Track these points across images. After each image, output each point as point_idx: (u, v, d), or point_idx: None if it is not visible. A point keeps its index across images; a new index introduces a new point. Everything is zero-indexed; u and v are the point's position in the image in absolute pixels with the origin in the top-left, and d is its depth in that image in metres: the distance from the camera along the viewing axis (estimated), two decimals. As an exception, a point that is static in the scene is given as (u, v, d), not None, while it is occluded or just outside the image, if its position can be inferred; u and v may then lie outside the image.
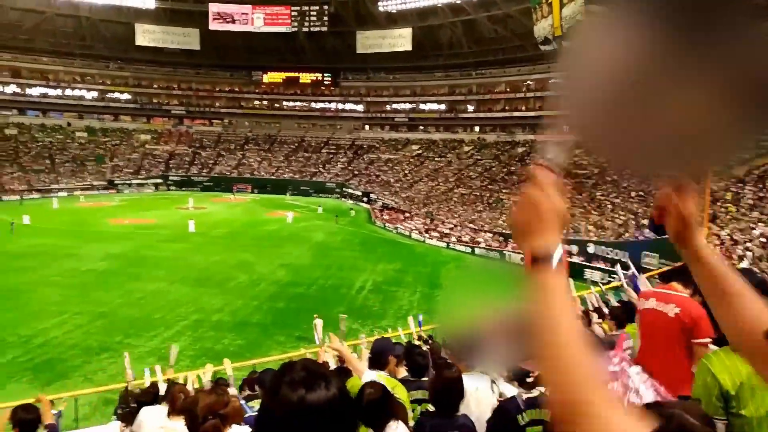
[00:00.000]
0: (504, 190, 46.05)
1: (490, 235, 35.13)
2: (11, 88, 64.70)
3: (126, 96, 71.41)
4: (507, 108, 60.56)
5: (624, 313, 5.75)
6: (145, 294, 21.89)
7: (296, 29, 69.35)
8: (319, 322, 16.67)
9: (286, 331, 18.02)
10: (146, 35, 69.18)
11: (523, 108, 59.08)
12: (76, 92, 68.56)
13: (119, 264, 26.62)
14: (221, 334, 17.86)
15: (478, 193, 47.23)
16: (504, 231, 35.32)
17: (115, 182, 60.79)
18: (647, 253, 23.56)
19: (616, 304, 7.32)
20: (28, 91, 65.68)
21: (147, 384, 6.96)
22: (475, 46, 62.11)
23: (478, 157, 57.45)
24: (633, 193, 34.07)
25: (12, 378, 13.83)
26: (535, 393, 3.05)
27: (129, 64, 70.88)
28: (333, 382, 1.05)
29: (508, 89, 61.40)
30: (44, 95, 66.49)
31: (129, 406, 5.86)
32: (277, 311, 20.41)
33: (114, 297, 21.22)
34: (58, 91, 67.31)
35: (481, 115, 62.98)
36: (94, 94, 69.69)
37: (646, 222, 29.35)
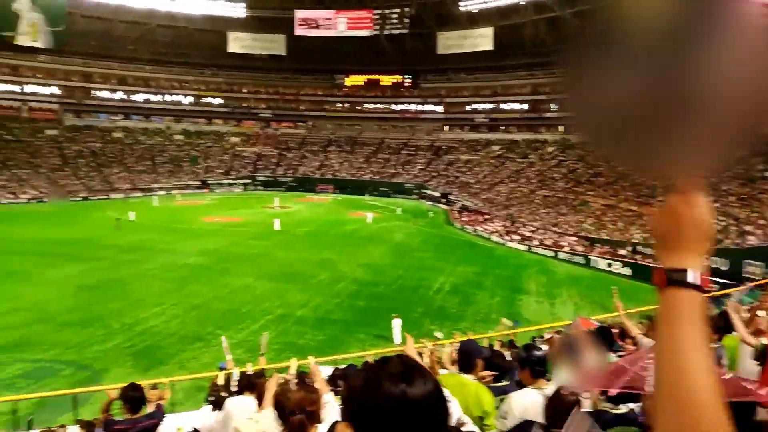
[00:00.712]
0: (590, 193, 44.22)
1: (575, 239, 33.84)
2: (119, 95, 70.50)
3: (218, 100, 75.67)
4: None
5: (723, 324, 5.39)
6: (234, 288, 23.07)
7: (378, 32, 70.39)
8: (397, 322, 16.85)
9: (365, 329, 18.34)
10: (237, 42, 72.91)
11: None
12: (175, 98, 73.57)
13: (211, 259, 28.24)
14: (304, 329, 18.45)
15: (562, 195, 45.67)
16: (589, 235, 33.93)
17: (208, 182, 64.47)
18: (750, 261, 21.76)
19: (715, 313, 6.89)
20: (133, 97, 71.30)
21: (236, 374, 7.27)
22: (560, 44, 59.91)
23: (563, 158, 55.52)
24: (733, 198, 31.65)
25: (116, 363, 15.03)
26: (622, 409, 2.89)
27: (221, 70, 74.99)
28: (429, 377, 1.06)
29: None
30: (147, 101, 71.96)
31: (225, 393, 6.17)
32: (357, 309, 20.81)
33: (207, 290, 22.54)
34: (159, 97, 72.58)
35: (566, 114, 60.64)
36: (190, 99, 74.48)
37: (749, 228, 27.13)
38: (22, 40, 61.62)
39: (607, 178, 46.77)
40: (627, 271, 26.50)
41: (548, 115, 62.82)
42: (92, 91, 69.26)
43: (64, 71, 66.95)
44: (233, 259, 28.46)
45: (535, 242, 34.76)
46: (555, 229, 37.06)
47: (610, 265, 27.61)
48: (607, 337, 5.36)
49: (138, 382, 5.15)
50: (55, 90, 66.36)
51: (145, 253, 29.11)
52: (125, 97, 70.98)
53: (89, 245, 30.68)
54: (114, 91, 70.48)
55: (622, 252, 29.07)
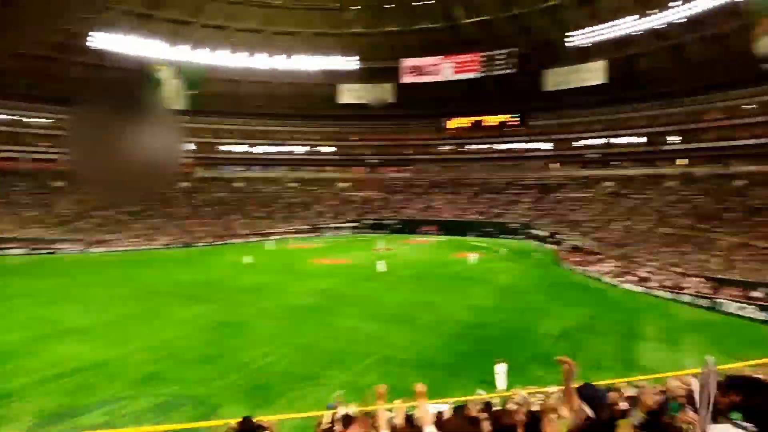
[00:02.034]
0: (717, 229, 40.49)
1: (700, 280, 30.93)
2: (243, 148, 77.16)
3: (330, 149, 79.96)
4: (720, 137, 53.65)
5: None
6: (341, 329, 23.76)
7: (484, 74, 71.12)
8: (500, 368, 16.42)
9: (469, 373, 18.01)
10: (348, 93, 77.09)
11: (742, 136, 51.78)
12: (291, 148, 78.94)
13: (320, 300, 29.41)
14: (407, 371, 18.43)
15: (684, 233, 42.21)
16: (717, 276, 30.93)
17: (319, 226, 67.61)
18: None
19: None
20: (254, 149, 77.65)
21: (339, 415, 7.42)
22: (681, 72, 56.35)
23: (685, 193, 51.53)
24: None
25: (231, 399, 15.98)
26: None
27: (333, 120, 79.35)
28: None
29: (721, 116, 54.46)
30: (266, 153, 77.93)
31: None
32: (461, 353, 20.49)
33: (315, 330, 23.43)
34: (277, 148, 78.29)
35: (689, 146, 56.71)
36: (305, 149, 79.46)
37: None
38: (165, 104, 70.00)
39: (738, 213, 42.72)
40: (763, 315, 23.69)
41: (668, 147, 59.04)
42: (220, 146, 76.51)
43: (198, 129, 74.77)
44: (341, 300, 29.42)
45: (653, 284, 32.21)
46: (676, 269, 34.16)
47: (742, 308, 24.83)
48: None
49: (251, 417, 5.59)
50: (189, 146, 74.14)
51: (261, 293, 31.03)
52: (248, 149, 77.49)
53: (212, 287, 33.35)
54: (239, 144, 77.31)
55: (757, 294, 26.09)
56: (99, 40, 62.14)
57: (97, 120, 68.24)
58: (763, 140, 49.06)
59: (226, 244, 58.57)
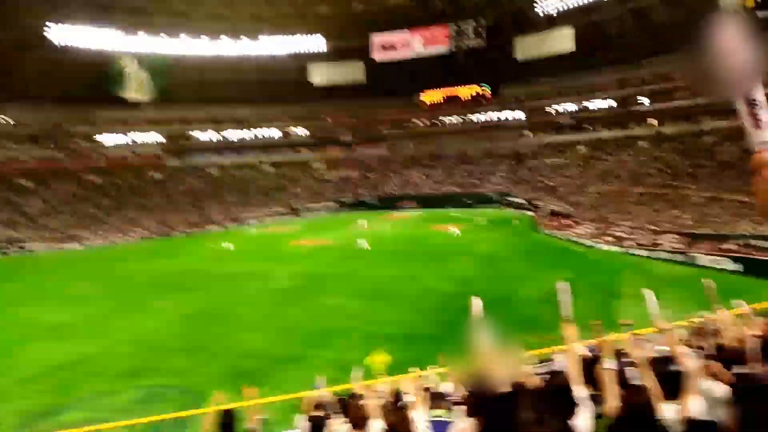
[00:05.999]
0: (691, 186, 41.19)
1: (674, 236, 31.53)
2: (214, 135, 75.75)
3: (303, 131, 78.98)
4: (689, 95, 54.24)
5: None
6: (324, 308, 23.72)
7: (455, 48, 70.57)
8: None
9: (453, 341, 18.10)
10: (318, 74, 75.94)
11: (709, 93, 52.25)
12: (263, 132, 77.75)
13: (303, 281, 29.26)
14: (394, 345, 18.50)
15: (658, 192, 42.88)
16: (691, 231, 31.58)
17: (297, 208, 67.10)
18: None
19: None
20: (226, 135, 76.27)
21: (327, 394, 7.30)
22: (647, 35, 56.67)
23: (657, 152, 52.25)
24: None
25: (217, 386, 15.81)
26: None
27: (304, 102, 78.22)
28: None
29: (688, 75, 54.92)
30: (239, 138, 76.68)
31: (321, 413, 6.24)
32: (445, 324, 20.59)
33: (300, 311, 23.36)
34: (249, 133, 77.05)
35: (658, 106, 57.25)
36: (278, 132, 78.31)
37: None
38: (130, 97, 68.27)
39: (709, 168, 43.49)
40: (737, 266, 24.26)
41: (638, 108, 59.58)
42: (190, 134, 74.99)
43: (166, 119, 73.10)
44: (323, 281, 29.32)
45: (630, 243, 32.76)
46: (652, 227, 34.75)
47: (715, 261, 25.39)
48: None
49: (235, 405, 5.47)
50: (158, 137, 72.53)
51: (242, 279, 30.74)
52: (219, 136, 76.14)
53: (192, 275, 32.93)
54: (209, 132, 75.88)
55: (731, 246, 26.70)
56: (57, 34, 59.81)
57: (61, 116, 66.42)
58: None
59: (204, 232, 57.80)
